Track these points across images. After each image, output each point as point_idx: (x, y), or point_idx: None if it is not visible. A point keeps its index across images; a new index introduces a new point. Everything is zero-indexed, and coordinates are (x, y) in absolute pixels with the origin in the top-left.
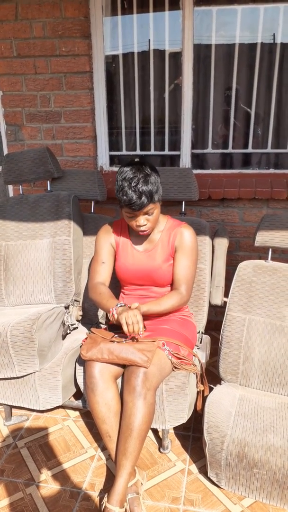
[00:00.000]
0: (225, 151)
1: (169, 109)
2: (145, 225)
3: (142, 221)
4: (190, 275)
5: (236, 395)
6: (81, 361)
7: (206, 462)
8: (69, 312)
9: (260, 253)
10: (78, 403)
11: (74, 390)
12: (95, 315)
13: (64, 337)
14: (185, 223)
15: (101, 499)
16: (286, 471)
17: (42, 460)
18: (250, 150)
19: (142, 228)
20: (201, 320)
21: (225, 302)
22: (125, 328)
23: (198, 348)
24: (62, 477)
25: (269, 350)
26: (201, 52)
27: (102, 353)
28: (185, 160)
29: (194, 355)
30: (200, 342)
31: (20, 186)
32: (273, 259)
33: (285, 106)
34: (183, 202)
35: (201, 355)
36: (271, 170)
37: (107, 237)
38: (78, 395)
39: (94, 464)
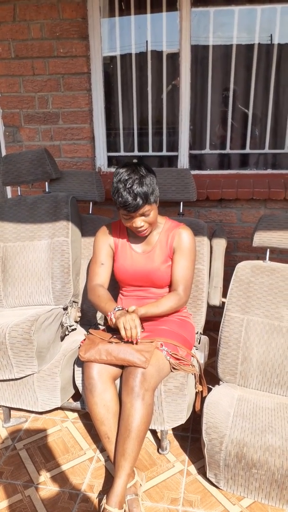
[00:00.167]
0: (223, 151)
1: (167, 110)
2: (142, 226)
3: (139, 223)
4: (189, 276)
5: (235, 395)
6: (79, 362)
7: (205, 463)
8: (67, 313)
9: (258, 253)
10: (77, 404)
11: (72, 391)
12: (94, 316)
13: (62, 339)
14: (184, 224)
15: (100, 501)
16: (284, 471)
17: (41, 461)
18: (247, 150)
19: (139, 230)
20: (199, 320)
21: (223, 303)
22: (122, 333)
23: (196, 349)
24: (61, 478)
25: (268, 350)
26: (199, 53)
27: (101, 354)
28: (183, 161)
29: (192, 356)
30: (199, 343)
31: (18, 187)
32: (271, 259)
33: (283, 106)
34: (181, 203)
35: (200, 356)
36: (269, 171)
37: (106, 239)
38: (77, 396)
39: (93, 466)
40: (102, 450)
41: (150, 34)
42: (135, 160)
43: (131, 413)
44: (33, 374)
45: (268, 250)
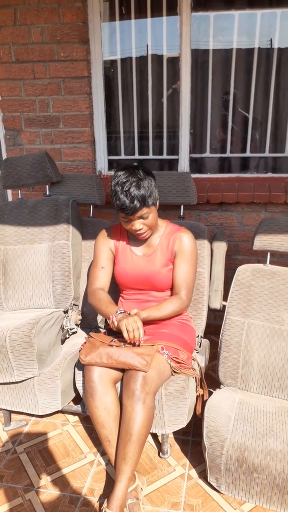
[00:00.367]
0: (223, 155)
1: (167, 113)
2: (141, 229)
3: (138, 226)
4: (190, 280)
5: (236, 399)
6: (80, 365)
7: (206, 467)
8: (68, 316)
9: (259, 256)
10: (77, 407)
11: (73, 394)
12: (94, 320)
13: (63, 342)
14: (184, 228)
15: (100, 505)
16: (286, 476)
17: (42, 465)
18: (248, 154)
19: (138, 233)
20: (200, 324)
21: (224, 306)
22: (125, 335)
23: (197, 352)
24: (61, 482)
25: (268, 354)
26: (199, 57)
27: (101, 357)
28: (184, 164)
29: (193, 359)
30: (199, 346)
31: (19, 191)
32: (271, 262)
33: (283, 110)
34: (182, 206)
35: (200, 359)
36: (269, 174)
37: (106, 242)
38: (77, 399)
39: (93, 469)
40: (103, 453)
41: (151, 38)
42: (135, 163)
43: (132, 417)
44: (33, 377)
45: (268, 253)
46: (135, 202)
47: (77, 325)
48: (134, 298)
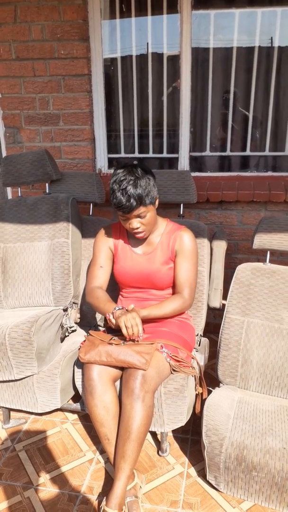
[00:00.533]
0: (223, 154)
1: (167, 112)
2: (139, 228)
3: (135, 224)
4: (192, 279)
5: (235, 398)
6: (79, 363)
7: (205, 465)
8: (67, 314)
9: (259, 255)
10: (77, 405)
11: (72, 392)
12: (94, 318)
13: (62, 340)
14: (185, 226)
15: (99, 503)
16: (285, 474)
17: (41, 463)
18: (248, 153)
19: (136, 231)
20: (199, 322)
21: (223, 305)
22: (124, 331)
23: (196, 351)
24: (60, 480)
25: (268, 352)
26: (199, 55)
27: (101, 355)
28: (184, 163)
29: (192, 358)
30: (199, 345)
31: (19, 188)
32: (271, 261)
33: (283, 109)
34: (181, 205)
35: (200, 358)
36: (269, 173)
37: (106, 241)
38: (77, 397)
39: (92, 467)
40: (102, 451)
41: (151, 36)
42: (135, 162)
43: (131, 415)
44: (33, 375)
45: (268, 252)
46: (132, 200)
47: (76, 323)
48: (134, 296)
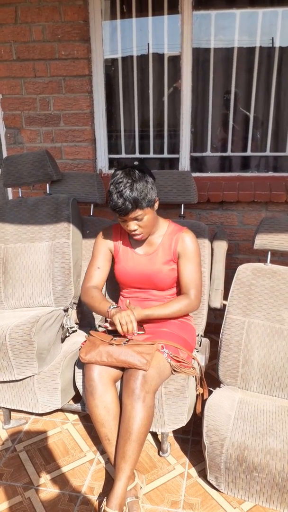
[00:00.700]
0: (224, 154)
1: (168, 112)
2: (136, 230)
3: (132, 226)
4: (198, 279)
5: (236, 398)
6: (80, 364)
7: (206, 466)
8: (68, 315)
9: (259, 256)
10: (77, 406)
11: (73, 393)
12: (94, 318)
13: (63, 340)
14: (186, 228)
15: (100, 503)
16: (285, 475)
17: (41, 463)
18: (249, 153)
19: (133, 233)
20: (200, 323)
21: (224, 305)
22: (119, 328)
23: (197, 351)
24: (61, 480)
25: (269, 353)
26: (200, 55)
27: (101, 356)
28: (184, 163)
29: (193, 358)
30: (200, 345)
31: (19, 189)
32: (272, 262)
33: (284, 109)
34: (182, 205)
35: (201, 358)
36: (270, 173)
37: (105, 242)
38: (77, 398)
39: (93, 468)
40: (103, 452)
41: (152, 37)
42: (136, 162)
43: (131, 415)
44: (33, 375)
45: (269, 252)
46: (127, 203)
47: (77, 323)
48: (135, 296)
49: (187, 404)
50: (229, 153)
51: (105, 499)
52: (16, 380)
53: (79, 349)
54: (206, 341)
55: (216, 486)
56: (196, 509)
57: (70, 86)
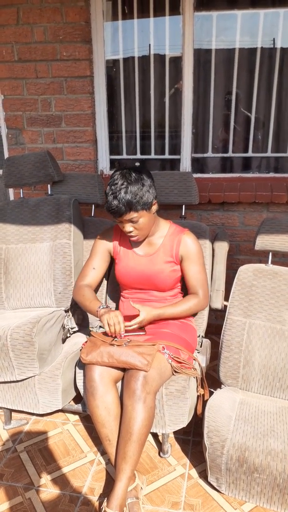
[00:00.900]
0: (225, 155)
1: (170, 113)
2: (132, 232)
3: (128, 228)
4: (204, 279)
5: (237, 399)
6: (81, 364)
7: (206, 467)
8: (69, 315)
9: (261, 256)
10: (78, 407)
11: (74, 393)
12: (95, 319)
13: (64, 341)
14: (187, 229)
15: (100, 504)
16: (286, 476)
17: (42, 464)
18: (250, 154)
19: (129, 235)
20: (201, 324)
21: (225, 306)
22: (106, 328)
23: (198, 352)
24: (61, 481)
25: (270, 354)
26: (201, 56)
27: (102, 356)
28: (185, 164)
29: (194, 359)
30: (200, 346)
31: (21, 190)
32: (273, 262)
33: (285, 110)
34: (183, 206)
35: (201, 359)
36: (271, 174)
37: (105, 243)
38: (78, 398)
39: (93, 469)
40: (103, 453)
41: (153, 38)
42: (137, 164)
43: (132, 416)
44: (34, 376)
45: (270, 253)
46: (120, 205)
47: (78, 324)
48: (135, 297)
49: (188, 405)
50: (230, 154)
51: (105, 500)
52: (17, 381)
53: (80, 350)
54: (207, 342)
55: (217, 487)
56: (196, 510)
57: (71, 87)
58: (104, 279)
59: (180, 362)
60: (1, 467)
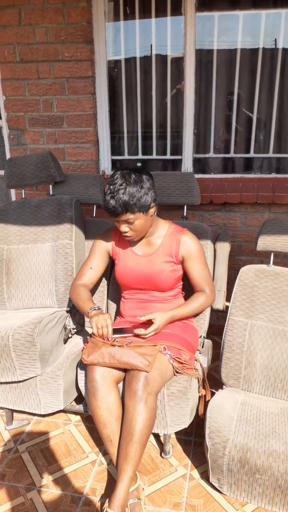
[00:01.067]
0: (227, 155)
1: (171, 113)
2: (127, 232)
3: (123, 228)
4: (208, 276)
5: (238, 400)
6: (82, 365)
7: (208, 468)
8: (70, 316)
9: (262, 257)
10: (80, 407)
11: (75, 394)
12: None
13: (65, 341)
14: (187, 229)
15: (102, 504)
16: None
17: (43, 464)
18: (252, 154)
19: (124, 235)
20: (203, 324)
21: (227, 307)
22: (94, 331)
23: (199, 353)
24: (63, 481)
25: (271, 355)
26: (203, 57)
27: (104, 357)
28: (187, 165)
29: (195, 360)
30: (202, 347)
31: (23, 190)
32: (275, 263)
33: (287, 110)
34: (185, 207)
35: (203, 360)
36: (273, 175)
37: (104, 243)
38: (80, 399)
39: (95, 469)
40: (105, 453)
41: (155, 38)
42: (138, 164)
43: (134, 417)
44: (36, 376)
45: (272, 254)
46: (117, 206)
47: (79, 324)
48: (136, 298)
49: (190, 405)
50: (232, 154)
51: (107, 501)
52: (19, 381)
53: (82, 350)
54: (208, 343)
55: (219, 488)
56: (198, 511)
57: (73, 88)
58: (105, 280)
59: (181, 363)
60: (3, 467)
